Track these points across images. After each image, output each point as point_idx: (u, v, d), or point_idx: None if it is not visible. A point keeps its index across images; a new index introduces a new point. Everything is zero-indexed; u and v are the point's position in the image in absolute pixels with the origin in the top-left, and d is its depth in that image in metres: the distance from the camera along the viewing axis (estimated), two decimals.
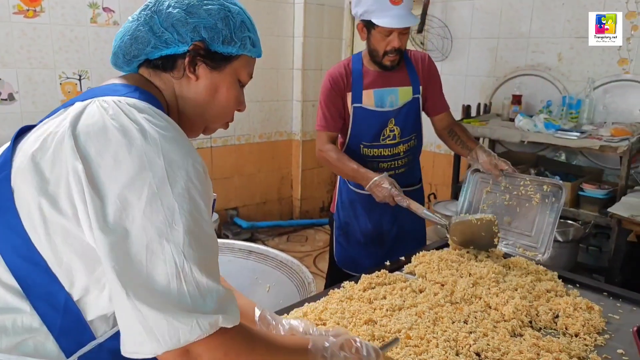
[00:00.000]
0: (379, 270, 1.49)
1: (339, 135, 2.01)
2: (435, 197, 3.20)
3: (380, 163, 1.96)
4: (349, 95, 1.90)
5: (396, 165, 1.98)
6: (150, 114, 0.76)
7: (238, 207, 4.18)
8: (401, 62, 1.89)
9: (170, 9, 0.84)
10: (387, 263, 1.61)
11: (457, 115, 3.34)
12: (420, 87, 1.96)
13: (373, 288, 1.40)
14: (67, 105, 0.81)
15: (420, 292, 1.39)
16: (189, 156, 0.74)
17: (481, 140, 3.32)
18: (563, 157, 3.13)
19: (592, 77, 2.94)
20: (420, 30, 3.60)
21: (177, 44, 0.85)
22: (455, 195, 3.18)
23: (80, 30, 3.09)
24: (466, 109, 3.28)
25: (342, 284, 1.43)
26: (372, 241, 2.01)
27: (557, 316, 1.28)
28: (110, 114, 0.74)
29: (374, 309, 1.27)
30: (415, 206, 1.71)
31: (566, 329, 1.23)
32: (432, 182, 3.92)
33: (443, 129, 2.04)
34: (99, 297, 0.74)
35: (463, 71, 3.61)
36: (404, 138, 1.96)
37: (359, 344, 0.90)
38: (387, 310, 1.26)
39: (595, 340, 1.19)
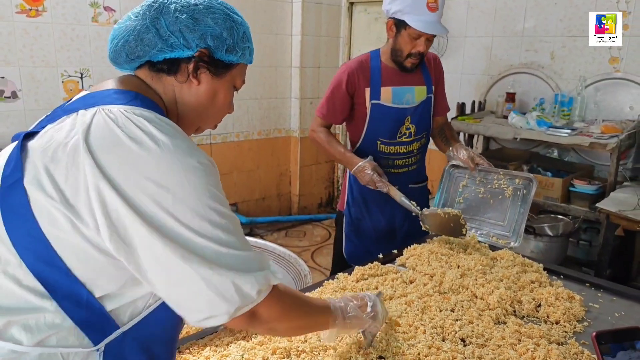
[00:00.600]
0: (372, 262, 1.55)
1: (350, 133, 2.07)
2: (430, 193, 3.26)
3: (395, 160, 2.00)
4: (367, 91, 1.92)
5: (409, 162, 2.03)
6: (157, 122, 0.79)
7: (237, 202, 4.24)
8: (420, 65, 1.95)
9: (177, 14, 0.86)
10: (380, 256, 1.67)
11: (452, 112, 3.40)
12: (433, 87, 2.02)
13: (366, 279, 1.47)
14: (68, 110, 0.82)
15: (411, 282, 1.46)
16: (199, 155, 0.79)
17: (475, 137, 3.40)
18: (555, 154, 3.19)
19: (583, 75, 3.01)
20: None
21: (183, 49, 0.87)
22: None
23: (81, 29, 3.15)
24: (461, 107, 3.34)
25: (337, 275, 1.50)
26: (385, 236, 2.05)
27: (540, 305, 1.35)
28: (120, 126, 0.76)
29: None
30: (393, 192, 1.80)
31: (547, 317, 1.30)
32: (428, 178, 3.98)
33: (436, 128, 2.11)
34: (124, 292, 0.79)
35: (458, 69, 3.67)
36: (418, 136, 2.01)
37: (361, 295, 1.11)
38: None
39: (575, 327, 1.26)
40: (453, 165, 1.95)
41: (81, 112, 0.80)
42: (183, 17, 0.86)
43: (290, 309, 0.87)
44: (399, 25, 1.82)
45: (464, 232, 1.70)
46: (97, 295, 0.76)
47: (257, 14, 3.97)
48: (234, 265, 0.76)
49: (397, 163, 2.01)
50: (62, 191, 0.74)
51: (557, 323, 1.28)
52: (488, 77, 3.53)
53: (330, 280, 1.47)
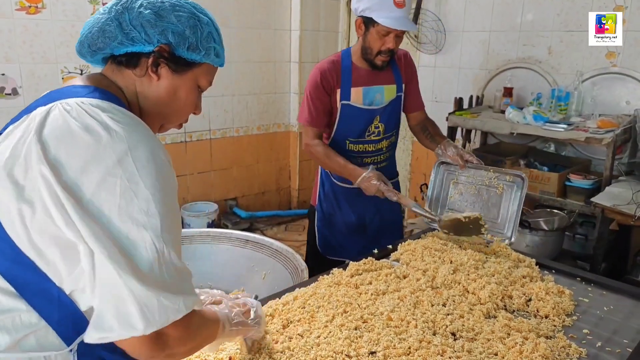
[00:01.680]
0: (366, 258, 1.58)
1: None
2: (427, 187, 3.28)
3: (364, 158, 2.03)
4: (338, 92, 1.94)
5: (379, 160, 2.06)
6: (113, 112, 0.80)
7: (237, 197, 4.27)
8: (390, 62, 1.96)
9: (142, 9, 0.88)
10: (375, 251, 1.70)
11: (450, 107, 3.42)
12: (403, 85, 2.04)
13: (360, 274, 1.50)
14: (29, 109, 0.84)
15: (404, 277, 1.49)
16: (155, 149, 0.79)
17: (472, 132, 3.41)
18: (552, 148, 3.21)
19: (580, 70, 3.01)
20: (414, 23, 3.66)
21: (144, 43, 0.88)
22: None
23: (81, 26, 3.10)
24: (458, 102, 3.35)
25: (332, 271, 1.53)
26: (356, 231, 2.10)
27: (530, 300, 1.38)
28: (74, 116, 0.78)
29: (360, 294, 1.37)
30: (405, 201, 1.81)
31: (537, 311, 1.33)
32: (425, 173, 4.01)
33: (417, 124, 2.13)
34: (84, 291, 0.77)
35: (456, 64, 3.68)
36: (387, 134, 2.04)
37: (242, 300, 1.10)
38: (371, 294, 1.36)
39: (564, 321, 1.29)
40: (442, 163, 1.98)
41: (40, 108, 0.82)
42: (146, 12, 0.88)
43: (195, 333, 0.84)
44: (367, 23, 1.82)
45: (484, 232, 1.72)
46: (67, 291, 0.76)
47: (256, 9, 3.97)
48: (167, 283, 0.75)
49: (365, 161, 2.03)
50: (21, 187, 0.75)
51: (546, 317, 1.30)
52: (486, 71, 3.53)
53: (325, 276, 1.50)
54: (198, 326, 0.85)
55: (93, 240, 0.72)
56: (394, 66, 2.01)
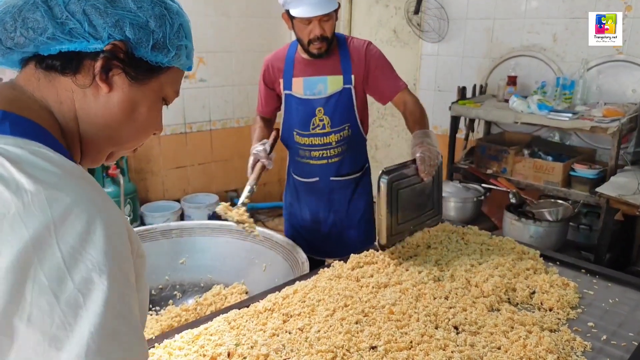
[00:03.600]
0: (367, 250, 1.56)
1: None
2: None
3: (312, 152, 1.98)
4: (281, 82, 1.95)
5: (328, 154, 1.98)
6: (30, 162, 0.54)
7: (238, 188, 4.25)
8: (331, 49, 1.86)
9: None
10: (376, 243, 1.68)
11: (453, 97, 3.38)
12: (353, 77, 1.89)
13: (361, 267, 1.48)
14: None
15: (406, 270, 1.46)
16: (97, 215, 0.54)
17: (476, 121, 3.37)
18: (557, 138, 3.17)
19: (586, 58, 2.96)
20: (416, 11, 3.61)
21: (88, 39, 0.62)
22: (450, 176, 3.23)
23: None
24: (461, 91, 3.31)
25: (332, 263, 1.51)
26: (312, 224, 2.10)
27: (534, 292, 1.35)
28: None
29: (361, 287, 1.35)
30: (249, 181, 1.87)
31: (541, 304, 1.31)
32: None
33: (403, 111, 1.91)
34: None
35: (459, 52, 3.63)
36: (335, 128, 1.94)
37: None
38: (372, 287, 1.34)
39: (568, 314, 1.26)
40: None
41: None
42: None
43: None
44: (290, 15, 1.79)
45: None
46: None
47: None
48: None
49: (313, 154, 1.99)
50: None
51: (550, 310, 1.28)
52: (490, 60, 3.48)
53: (326, 269, 1.48)
54: None
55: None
56: (345, 56, 1.89)
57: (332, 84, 1.90)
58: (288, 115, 1.98)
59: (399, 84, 1.92)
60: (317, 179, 2.02)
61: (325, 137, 1.95)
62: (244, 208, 1.84)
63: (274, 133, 1.99)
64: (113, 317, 0.52)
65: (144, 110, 0.70)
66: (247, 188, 1.88)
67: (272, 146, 1.96)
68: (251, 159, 1.90)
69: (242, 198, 1.87)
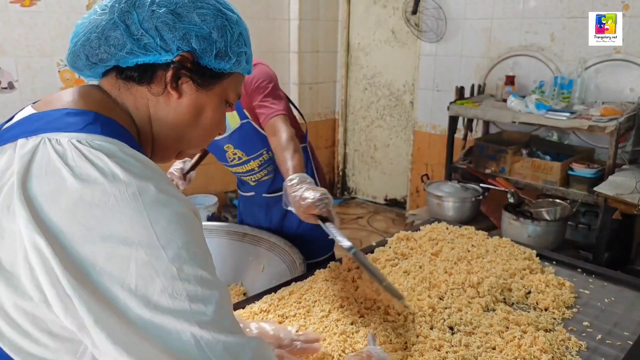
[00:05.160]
0: (365, 254, 1.56)
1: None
2: (428, 178, 3.27)
3: (241, 176, 1.94)
4: None
5: (256, 177, 1.91)
6: (122, 156, 0.62)
7: (236, 190, 4.25)
8: None
9: (154, 7, 0.69)
10: (373, 244, 1.68)
11: (451, 96, 3.38)
12: (245, 111, 1.71)
13: (357, 268, 1.48)
14: (5, 138, 0.65)
15: (402, 271, 1.46)
16: (177, 203, 0.62)
17: (474, 121, 3.37)
18: (555, 137, 3.17)
19: (584, 57, 2.97)
20: (414, 11, 3.61)
21: (159, 52, 0.70)
22: (449, 176, 3.24)
23: (76, 18, 3.11)
24: (460, 90, 3.31)
25: (328, 265, 1.51)
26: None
27: (530, 292, 1.36)
28: (69, 164, 0.59)
29: (357, 288, 1.35)
30: None
31: (537, 304, 1.31)
32: (428, 163, 3.98)
33: (271, 142, 1.64)
34: None
35: (457, 52, 3.63)
36: (252, 156, 1.81)
37: (366, 352, 0.95)
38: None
39: (564, 314, 1.26)
40: None
41: (20, 142, 0.62)
42: (161, 11, 0.68)
43: None
44: None
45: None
46: None
47: None
48: (219, 357, 0.59)
49: (243, 178, 1.94)
50: None
51: (546, 310, 1.28)
52: (488, 59, 3.49)
53: (322, 269, 1.48)
54: None
55: (104, 337, 0.55)
56: None
57: (230, 120, 1.73)
58: (209, 148, 1.87)
59: (269, 111, 1.64)
60: (253, 193, 1.97)
61: (246, 165, 1.85)
62: None
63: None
64: (202, 284, 0.60)
65: (210, 113, 0.77)
66: None
67: (197, 163, 1.92)
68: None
69: None
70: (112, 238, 0.57)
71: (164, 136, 0.76)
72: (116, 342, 0.55)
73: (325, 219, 1.29)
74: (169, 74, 0.71)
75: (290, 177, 1.39)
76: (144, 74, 0.72)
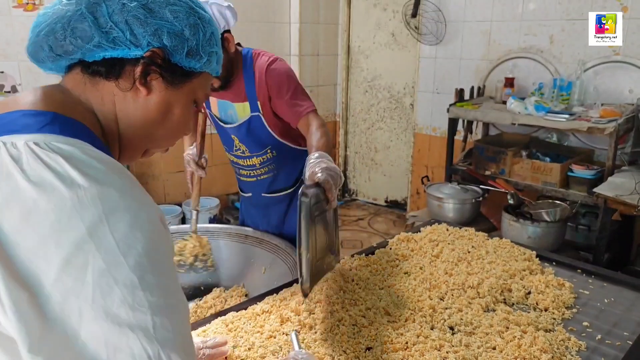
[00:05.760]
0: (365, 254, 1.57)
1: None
2: (428, 180, 3.28)
3: (240, 170, 1.93)
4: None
5: (255, 173, 1.90)
6: (81, 159, 0.58)
7: (239, 192, 4.27)
8: (235, 74, 1.67)
9: (125, 0, 0.67)
10: (374, 245, 1.69)
11: (451, 99, 3.40)
12: (259, 103, 1.69)
13: (358, 269, 1.49)
14: None
15: (403, 272, 1.48)
16: (141, 208, 0.59)
17: (474, 123, 3.38)
18: (555, 139, 3.18)
19: (582, 59, 2.98)
20: (414, 14, 3.63)
21: (129, 46, 0.68)
22: (449, 177, 3.25)
23: None
24: (459, 93, 3.33)
25: None
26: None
27: (530, 293, 1.37)
28: (23, 168, 0.56)
29: (358, 288, 1.36)
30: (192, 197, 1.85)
31: (537, 304, 1.32)
32: (428, 165, 3.99)
33: (307, 133, 1.65)
34: None
35: (457, 55, 3.65)
36: (255, 153, 1.82)
37: (292, 356, 0.98)
38: (369, 289, 1.35)
39: (563, 314, 1.27)
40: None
41: None
42: (132, 4, 0.67)
43: None
44: None
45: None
46: None
47: (255, 2, 3.95)
48: None
49: (242, 172, 1.93)
50: None
51: (545, 310, 1.29)
52: (487, 62, 3.50)
53: None
54: None
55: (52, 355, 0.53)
56: (250, 80, 1.67)
57: (240, 111, 1.73)
58: (217, 130, 1.89)
59: (300, 109, 1.66)
60: (250, 194, 1.97)
61: (248, 160, 1.85)
62: (195, 237, 1.79)
63: (199, 126, 1.75)
64: (166, 295, 0.58)
65: (178, 111, 0.76)
66: (193, 213, 1.82)
67: (202, 146, 1.81)
68: (187, 171, 1.83)
69: (192, 226, 1.82)
70: (67, 246, 0.54)
71: (131, 134, 0.74)
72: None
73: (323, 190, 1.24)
74: (139, 69, 0.69)
75: (313, 153, 1.39)
76: (111, 69, 0.69)
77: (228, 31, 1.60)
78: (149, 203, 0.62)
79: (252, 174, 1.90)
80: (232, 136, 1.81)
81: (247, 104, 1.70)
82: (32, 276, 0.53)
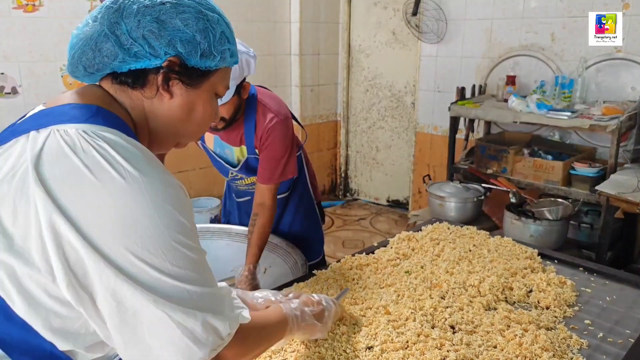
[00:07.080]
0: (366, 253, 1.57)
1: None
2: (430, 179, 3.27)
3: (238, 187, 1.98)
4: None
5: (254, 188, 1.85)
6: (122, 147, 0.69)
7: None
8: (236, 119, 1.65)
9: (140, 17, 0.74)
10: (375, 244, 1.69)
11: (452, 97, 3.39)
12: (257, 150, 1.72)
13: (358, 268, 1.48)
14: (18, 131, 0.73)
15: (404, 271, 1.47)
16: (169, 184, 0.71)
17: (476, 121, 3.37)
18: (557, 137, 3.17)
19: (584, 56, 2.97)
20: (414, 13, 3.62)
21: (149, 58, 0.76)
22: (450, 176, 3.24)
23: (79, 23, 3.14)
24: (461, 91, 3.32)
25: (330, 265, 1.51)
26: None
27: (531, 291, 1.36)
28: (76, 152, 0.67)
29: (358, 288, 1.35)
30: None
31: (538, 302, 1.31)
32: (429, 163, 3.98)
33: (256, 205, 1.71)
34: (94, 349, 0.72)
35: (458, 53, 3.64)
36: (253, 176, 1.82)
37: (317, 298, 1.08)
38: (369, 288, 1.34)
39: (565, 312, 1.27)
40: None
41: (32, 134, 0.70)
42: (146, 19, 0.74)
43: (253, 343, 0.82)
44: None
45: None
46: (64, 348, 0.69)
47: (255, 1, 3.94)
48: (207, 306, 0.71)
49: (239, 187, 1.96)
50: (9, 236, 0.65)
51: (547, 308, 1.28)
52: (488, 60, 3.49)
53: (324, 270, 1.49)
54: (255, 338, 0.82)
55: (126, 288, 0.65)
56: (249, 128, 1.69)
57: (237, 153, 1.79)
58: (212, 161, 1.89)
59: (269, 175, 1.69)
60: (248, 198, 1.97)
61: (246, 179, 1.88)
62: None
63: None
64: (191, 250, 0.71)
65: (201, 108, 0.84)
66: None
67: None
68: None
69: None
70: (117, 217, 0.64)
71: (161, 131, 0.83)
72: (121, 306, 0.65)
73: None
74: (160, 77, 0.77)
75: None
76: (136, 80, 0.78)
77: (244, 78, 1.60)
78: (175, 180, 0.73)
79: (250, 189, 1.93)
80: (230, 171, 1.86)
81: (244, 147, 1.74)
82: (92, 239, 0.64)
